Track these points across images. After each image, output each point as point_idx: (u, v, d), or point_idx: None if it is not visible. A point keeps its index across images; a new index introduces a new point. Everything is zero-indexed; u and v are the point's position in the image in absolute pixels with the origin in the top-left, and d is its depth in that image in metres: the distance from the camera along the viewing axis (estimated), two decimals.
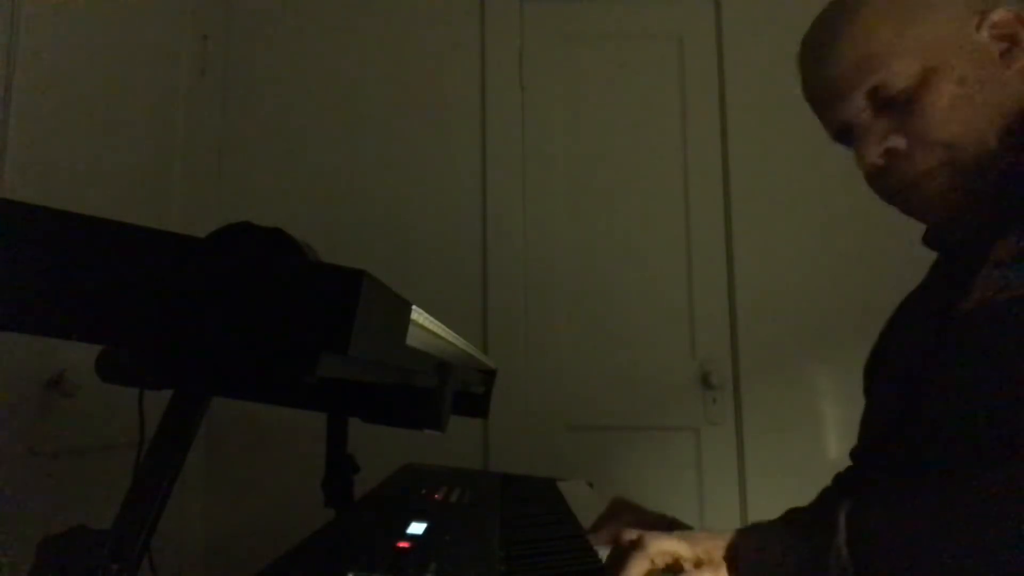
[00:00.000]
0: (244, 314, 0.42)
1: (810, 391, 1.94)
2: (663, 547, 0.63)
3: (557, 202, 2.06)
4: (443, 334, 0.68)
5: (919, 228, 0.85)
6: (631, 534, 0.65)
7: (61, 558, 0.48)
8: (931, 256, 0.84)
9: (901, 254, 0.89)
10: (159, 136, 1.75)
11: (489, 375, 1.28)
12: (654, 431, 1.96)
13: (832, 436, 1.90)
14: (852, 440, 0.92)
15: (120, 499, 0.52)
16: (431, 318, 0.61)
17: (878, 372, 0.85)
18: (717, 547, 0.64)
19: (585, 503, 1.07)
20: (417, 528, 0.81)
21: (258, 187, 2.05)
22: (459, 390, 0.97)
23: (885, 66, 0.70)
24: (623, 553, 0.63)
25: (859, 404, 0.91)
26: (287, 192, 2.05)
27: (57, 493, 1.27)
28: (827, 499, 0.90)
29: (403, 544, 0.72)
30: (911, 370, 0.72)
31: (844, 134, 0.77)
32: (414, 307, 0.54)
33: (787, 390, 1.94)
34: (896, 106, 0.71)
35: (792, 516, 0.84)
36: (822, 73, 0.75)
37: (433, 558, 0.68)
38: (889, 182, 0.74)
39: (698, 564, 0.63)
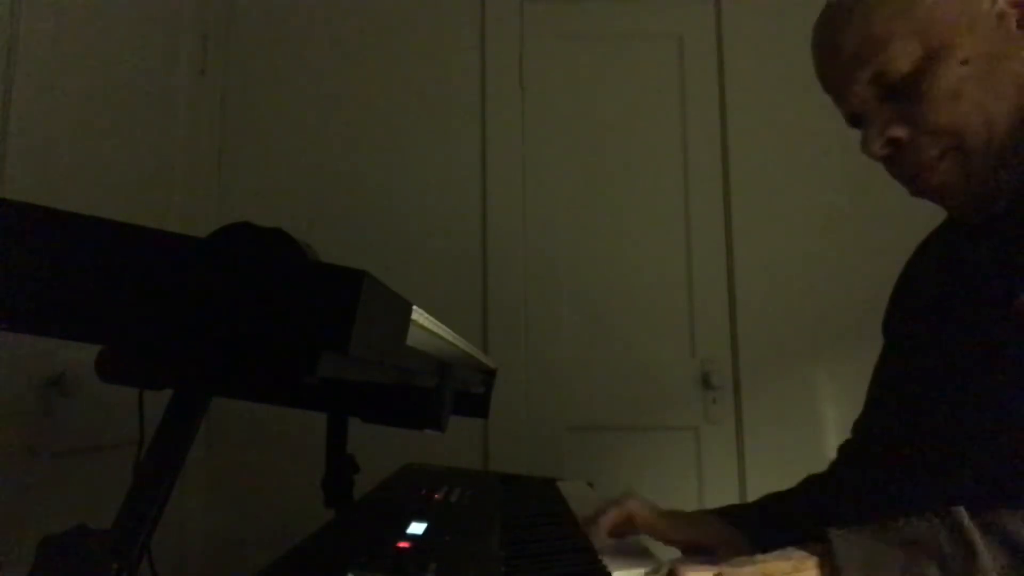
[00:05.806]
0: (244, 314, 0.41)
1: (810, 391, 1.94)
2: None
3: (557, 202, 2.06)
4: (443, 334, 0.68)
5: (920, 228, 0.85)
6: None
7: (61, 558, 0.48)
8: None
9: (902, 254, 0.88)
10: (159, 136, 1.75)
11: (489, 375, 1.28)
12: (654, 431, 1.96)
13: (832, 436, 1.90)
14: None
15: (120, 499, 0.52)
16: (431, 318, 0.61)
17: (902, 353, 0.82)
18: None
19: (585, 503, 1.07)
20: (417, 528, 0.80)
21: (258, 187, 2.05)
22: (459, 390, 0.97)
23: (883, 50, 0.67)
24: None
25: (859, 404, 0.91)
26: (287, 192, 2.05)
27: (57, 493, 1.27)
28: (815, 486, 0.89)
29: (403, 544, 0.72)
30: (958, 357, 0.70)
31: (857, 121, 0.75)
32: (414, 307, 0.54)
33: (787, 390, 1.94)
34: (900, 93, 0.68)
35: (769, 502, 0.85)
36: (828, 59, 0.73)
37: (433, 558, 0.68)
38: (896, 171, 0.73)
39: None
